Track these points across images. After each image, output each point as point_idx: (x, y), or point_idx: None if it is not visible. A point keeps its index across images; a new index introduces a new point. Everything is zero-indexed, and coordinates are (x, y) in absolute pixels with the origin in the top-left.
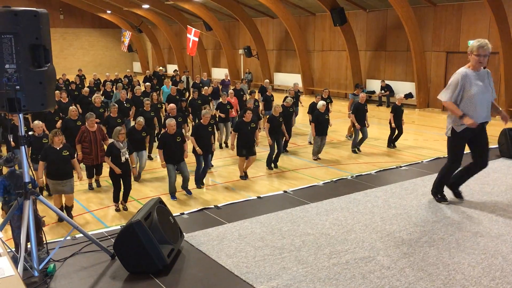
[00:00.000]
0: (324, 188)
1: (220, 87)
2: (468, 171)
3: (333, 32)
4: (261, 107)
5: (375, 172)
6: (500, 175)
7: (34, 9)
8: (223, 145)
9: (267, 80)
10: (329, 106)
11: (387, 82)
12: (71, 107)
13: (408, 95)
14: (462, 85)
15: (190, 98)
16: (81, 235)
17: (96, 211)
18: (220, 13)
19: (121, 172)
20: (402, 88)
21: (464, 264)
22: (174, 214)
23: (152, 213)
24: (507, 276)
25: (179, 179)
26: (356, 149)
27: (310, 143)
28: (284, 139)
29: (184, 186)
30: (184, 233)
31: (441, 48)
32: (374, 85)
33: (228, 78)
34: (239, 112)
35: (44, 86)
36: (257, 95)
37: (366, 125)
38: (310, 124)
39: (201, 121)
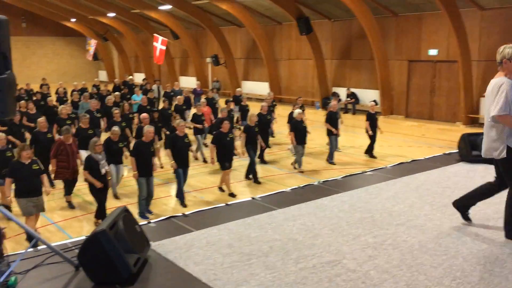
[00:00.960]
0: (291, 194)
1: (193, 96)
2: (486, 192)
3: (299, 41)
4: (236, 117)
5: (341, 178)
6: (460, 178)
7: None
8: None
9: (239, 89)
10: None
11: (352, 90)
12: (39, 119)
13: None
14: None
15: (161, 108)
16: (44, 246)
17: (61, 222)
18: (187, 21)
19: (102, 186)
20: (367, 95)
21: (427, 265)
22: (141, 223)
23: (118, 222)
24: (467, 276)
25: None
26: (330, 161)
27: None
28: (260, 149)
29: (147, 204)
30: (151, 242)
31: (403, 56)
32: (340, 93)
33: (200, 87)
34: (213, 121)
35: (4, 93)
36: (232, 105)
37: (337, 134)
38: (289, 133)
39: (176, 132)
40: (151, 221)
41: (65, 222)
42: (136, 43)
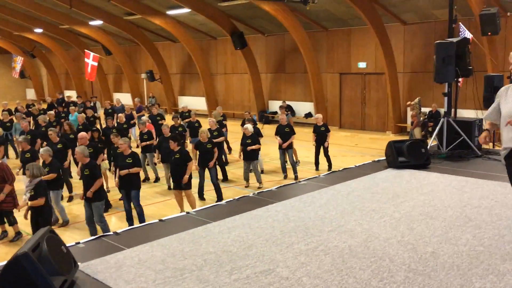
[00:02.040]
0: (227, 206)
1: (135, 113)
2: None
3: (234, 56)
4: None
5: (275, 188)
6: (388, 184)
7: None
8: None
9: (185, 105)
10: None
11: (288, 102)
12: None
13: (308, 115)
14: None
15: (104, 127)
16: None
17: None
18: (120, 37)
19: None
20: (302, 108)
21: (356, 268)
22: (69, 244)
23: (41, 243)
24: (393, 276)
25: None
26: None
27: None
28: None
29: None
30: (79, 263)
31: (335, 69)
32: (276, 105)
33: (140, 104)
34: (157, 139)
35: None
36: (179, 121)
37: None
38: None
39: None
40: (80, 241)
41: None
42: (66, 60)
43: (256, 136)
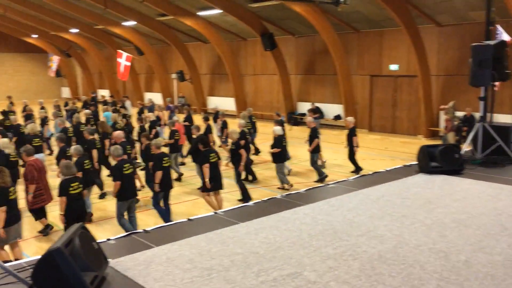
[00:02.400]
0: (254, 207)
1: (167, 113)
2: None
3: (264, 57)
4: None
5: (304, 191)
6: (419, 189)
7: None
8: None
9: (215, 106)
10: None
11: (316, 104)
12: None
13: (337, 117)
14: None
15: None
16: None
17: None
18: (152, 37)
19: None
20: (331, 110)
21: (385, 275)
22: (100, 240)
23: (74, 239)
24: (424, 284)
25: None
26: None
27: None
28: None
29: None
30: (109, 259)
31: (365, 71)
32: (305, 107)
33: (172, 103)
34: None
35: None
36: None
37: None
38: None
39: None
40: (111, 238)
41: (21, 242)
42: (100, 59)
43: (276, 139)
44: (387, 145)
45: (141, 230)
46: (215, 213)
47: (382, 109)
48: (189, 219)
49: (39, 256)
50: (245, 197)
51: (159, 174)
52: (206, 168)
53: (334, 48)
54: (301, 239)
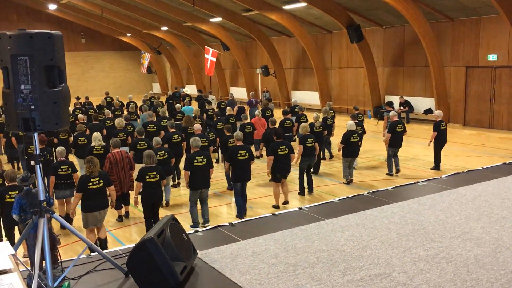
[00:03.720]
0: (340, 204)
1: (247, 108)
2: None
3: (350, 49)
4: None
5: (392, 188)
6: None
7: (49, 31)
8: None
9: (295, 99)
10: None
11: (406, 98)
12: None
13: (428, 111)
14: None
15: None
16: (95, 253)
17: (114, 230)
18: (237, 33)
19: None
20: (422, 103)
21: (483, 280)
22: (188, 232)
23: (165, 230)
24: None
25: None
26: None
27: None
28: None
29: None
30: (197, 251)
31: (460, 63)
32: (393, 101)
33: (254, 97)
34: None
35: (59, 105)
36: (289, 116)
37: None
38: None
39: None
40: (199, 230)
41: (119, 230)
42: (188, 56)
43: (344, 134)
44: (484, 141)
45: (227, 224)
46: (300, 208)
47: (479, 102)
48: (273, 214)
49: (133, 245)
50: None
51: (227, 165)
52: (270, 160)
53: (425, 39)
54: (389, 239)
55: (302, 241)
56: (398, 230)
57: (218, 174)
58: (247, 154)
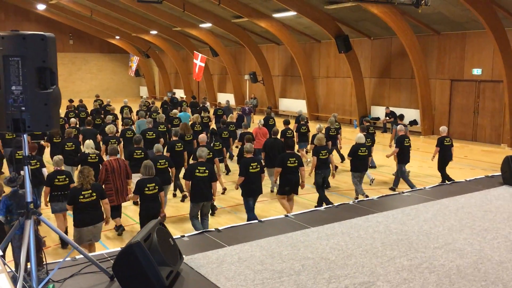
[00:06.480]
0: (325, 212)
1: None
2: None
3: (338, 59)
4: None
5: (377, 198)
6: (502, 202)
7: (42, 33)
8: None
9: (300, 110)
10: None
11: (391, 108)
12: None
13: (413, 122)
14: None
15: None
16: (81, 256)
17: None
18: (227, 39)
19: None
20: (407, 115)
21: None
22: (174, 237)
23: (152, 234)
24: None
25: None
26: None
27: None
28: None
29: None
30: (183, 256)
31: (445, 75)
32: (379, 111)
33: (248, 106)
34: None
35: (49, 107)
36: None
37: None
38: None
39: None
40: (185, 234)
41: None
42: (176, 60)
43: (352, 147)
44: (467, 153)
45: (213, 229)
46: (286, 216)
47: (462, 115)
48: (259, 221)
49: (119, 248)
50: (320, 204)
51: (240, 180)
52: (277, 172)
53: (412, 51)
54: (374, 248)
55: (287, 248)
56: (382, 239)
57: (229, 188)
58: (258, 166)
